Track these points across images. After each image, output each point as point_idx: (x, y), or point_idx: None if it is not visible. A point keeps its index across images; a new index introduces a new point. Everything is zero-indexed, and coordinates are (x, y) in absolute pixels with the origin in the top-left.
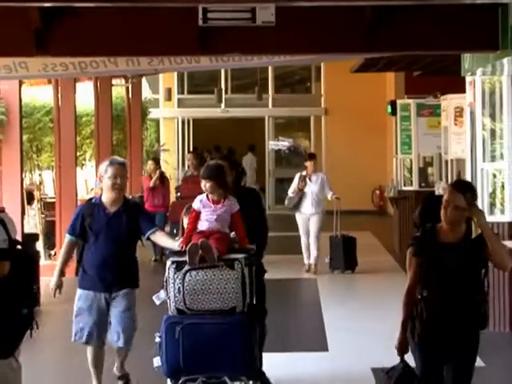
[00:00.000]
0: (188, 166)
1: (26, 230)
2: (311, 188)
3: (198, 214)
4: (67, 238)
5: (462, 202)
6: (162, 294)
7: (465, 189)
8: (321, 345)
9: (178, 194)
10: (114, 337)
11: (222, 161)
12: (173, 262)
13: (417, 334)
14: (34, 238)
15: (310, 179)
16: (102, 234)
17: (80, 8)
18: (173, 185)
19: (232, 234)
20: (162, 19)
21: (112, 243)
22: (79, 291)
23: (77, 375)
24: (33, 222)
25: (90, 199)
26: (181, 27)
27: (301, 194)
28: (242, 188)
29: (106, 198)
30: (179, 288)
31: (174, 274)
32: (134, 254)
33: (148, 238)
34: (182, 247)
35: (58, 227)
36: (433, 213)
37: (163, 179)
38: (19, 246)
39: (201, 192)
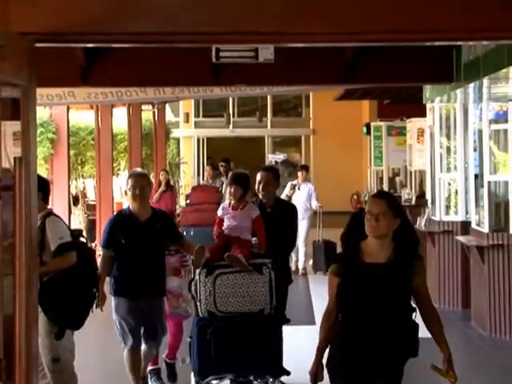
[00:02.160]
0: (205, 178)
1: (73, 227)
2: (299, 196)
3: (221, 221)
4: (103, 251)
5: (383, 208)
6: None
7: (384, 196)
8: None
9: (188, 200)
10: (149, 341)
11: (267, 172)
12: (203, 267)
13: (331, 360)
14: (78, 232)
15: (299, 188)
16: (135, 243)
17: (116, 48)
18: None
19: (254, 240)
20: (183, 56)
21: (145, 252)
22: (115, 300)
23: (110, 344)
24: (78, 220)
25: (120, 211)
26: (198, 63)
27: (290, 200)
28: (282, 200)
29: (133, 208)
30: (210, 291)
31: (205, 277)
32: (164, 261)
33: (178, 245)
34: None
35: (98, 224)
36: (361, 230)
37: (170, 187)
38: (82, 239)
39: (207, 199)
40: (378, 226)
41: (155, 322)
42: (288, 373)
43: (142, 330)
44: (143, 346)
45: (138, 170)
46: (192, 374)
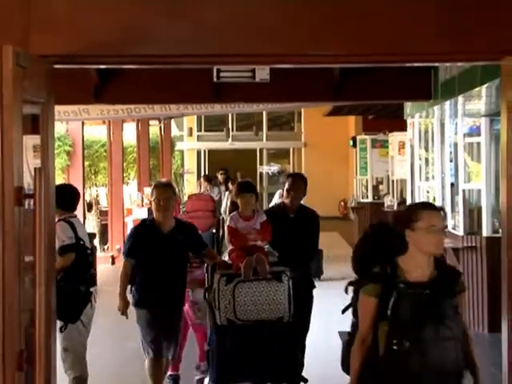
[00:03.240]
0: (202, 189)
1: (87, 230)
2: None
3: (235, 229)
4: (124, 260)
5: (443, 221)
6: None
7: (440, 208)
8: None
9: (184, 208)
10: (165, 350)
11: (297, 179)
12: (222, 275)
13: None
14: (92, 236)
15: None
16: (158, 254)
17: (126, 69)
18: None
19: (266, 248)
20: (187, 76)
21: (168, 262)
22: (138, 311)
23: (123, 336)
24: (92, 225)
25: (144, 220)
26: (200, 82)
27: None
28: (305, 206)
29: (157, 219)
30: (230, 300)
31: (225, 286)
32: (185, 273)
33: (201, 256)
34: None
35: (110, 228)
36: (384, 246)
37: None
38: (81, 242)
39: (202, 207)
40: (443, 241)
41: (172, 332)
42: (306, 380)
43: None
44: (166, 357)
45: (164, 180)
46: (209, 382)
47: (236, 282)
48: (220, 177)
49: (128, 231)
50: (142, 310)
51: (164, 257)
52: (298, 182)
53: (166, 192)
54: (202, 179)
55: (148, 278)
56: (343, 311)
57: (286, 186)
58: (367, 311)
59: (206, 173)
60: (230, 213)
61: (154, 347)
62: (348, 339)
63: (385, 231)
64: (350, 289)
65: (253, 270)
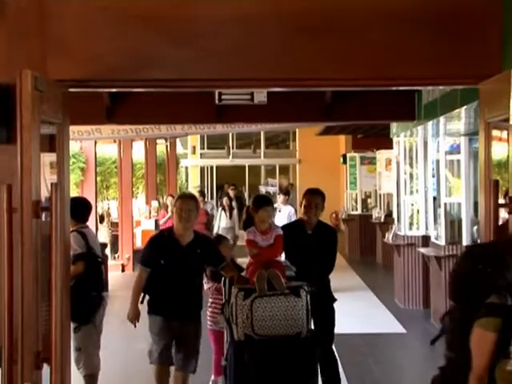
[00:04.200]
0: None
1: (99, 241)
2: (280, 217)
3: (253, 242)
4: (141, 269)
5: None
6: (220, 319)
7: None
8: None
9: None
10: (180, 362)
11: (315, 195)
12: (240, 290)
13: None
14: (104, 246)
15: (279, 210)
16: (174, 265)
17: (135, 92)
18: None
19: (284, 262)
20: (191, 99)
21: (185, 274)
22: (151, 318)
23: (131, 338)
24: (103, 235)
25: (163, 231)
26: (203, 105)
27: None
28: (323, 222)
29: (177, 229)
30: (247, 314)
31: (243, 301)
32: (202, 284)
33: (219, 270)
34: (239, 275)
35: (120, 239)
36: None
37: None
38: (92, 251)
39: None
40: None
41: (187, 347)
42: None
43: (173, 352)
44: (175, 371)
45: (188, 192)
46: None
47: (254, 296)
48: (231, 192)
49: (137, 241)
50: (156, 316)
51: (181, 268)
52: (316, 198)
53: (188, 204)
54: (197, 194)
55: (164, 288)
56: (432, 342)
57: (304, 202)
58: (485, 348)
59: (210, 187)
60: (245, 227)
61: (162, 355)
62: (439, 375)
63: (505, 251)
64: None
65: (270, 285)
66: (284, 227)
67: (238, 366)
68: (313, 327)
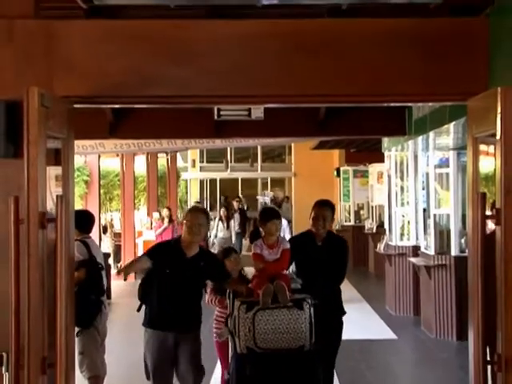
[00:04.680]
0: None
1: (102, 251)
2: None
3: (260, 255)
4: (144, 257)
5: None
6: (225, 331)
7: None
8: None
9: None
10: (181, 380)
11: (324, 207)
12: (243, 303)
13: None
14: (107, 255)
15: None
16: (178, 276)
17: (137, 108)
18: None
19: (290, 274)
20: (191, 115)
21: (187, 287)
22: (148, 331)
23: (133, 342)
24: (107, 245)
25: (169, 241)
26: (203, 120)
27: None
28: (333, 234)
29: (184, 241)
30: (250, 327)
31: (245, 314)
32: (201, 299)
33: (224, 286)
34: (248, 289)
35: (123, 248)
36: None
37: (172, 221)
38: (93, 258)
39: None
40: None
41: (187, 359)
42: None
43: (176, 365)
44: None
45: (200, 206)
46: None
47: (256, 309)
48: (235, 204)
49: (139, 251)
50: (153, 331)
51: (183, 279)
52: (324, 211)
53: (199, 218)
54: (193, 204)
55: (163, 299)
56: None
57: (312, 213)
58: None
59: (209, 199)
60: (251, 240)
61: (158, 368)
62: None
63: None
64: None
65: (273, 298)
66: (293, 239)
67: (240, 380)
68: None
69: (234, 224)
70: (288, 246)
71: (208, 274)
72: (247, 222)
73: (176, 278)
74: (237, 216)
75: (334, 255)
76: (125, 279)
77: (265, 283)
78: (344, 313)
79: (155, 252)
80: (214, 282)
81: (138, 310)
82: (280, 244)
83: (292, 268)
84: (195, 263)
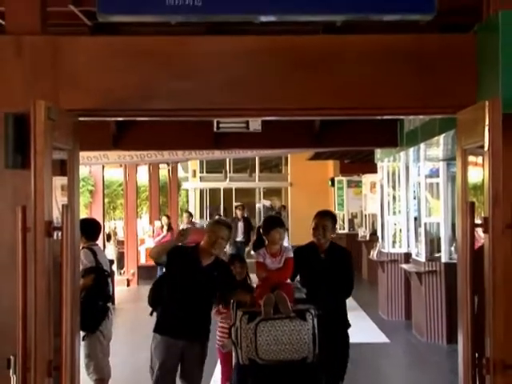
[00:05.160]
0: (184, 223)
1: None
2: None
3: (263, 264)
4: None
5: None
6: (228, 342)
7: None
8: None
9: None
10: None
11: (325, 217)
12: (245, 313)
13: None
14: (110, 262)
15: None
16: (191, 283)
17: (140, 121)
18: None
19: (295, 283)
20: (191, 127)
21: (199, 295)
22: (157, 337)
23: (137, 347)
24: (110, 253)
25: (187, 247)
26: (203, 132)
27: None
28: (336, 245)
29: (202, 250)
30: (251, 338)
31: (247, 324)
32: (211, 308)
33: (230, 296)
34: (254, 298)
35: (126, 255)
36: None
37: (171, 229)
38: (100, 265)
39: (196, 239)
40: None
41: (192, 367)
42: None
43: (177, 376)
44: None
45: (225, 219)
46: None
47: (258, 320)
48: (238, 212)
49: (141, 258)
50: (162, 337)
51: (196, 287)
52: (324, 221)
53: (223, 232)
54: (185, 214)
55: (174, 306)
56: None
57: (313, 224)
58: None
59: (207, 208)
60: (255, 248)
61: (165, 373)
62: None
63: None
64: None
65: (276, 308)
66: (297, 250)
67: None
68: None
69: (238, 232)
70: (291, 254)
71: (219, 284)
72: (251, 231)
73: (189, 286)
74: (240, 224)
75: (338, 267)
76: (157, 263)
77: (267, 293)
78: (349, 326)
79: (172, 254)
80: (221, 292)
81: (151, 314)
82: (283, 253)
83: (298, 277)
84: (209, 272)
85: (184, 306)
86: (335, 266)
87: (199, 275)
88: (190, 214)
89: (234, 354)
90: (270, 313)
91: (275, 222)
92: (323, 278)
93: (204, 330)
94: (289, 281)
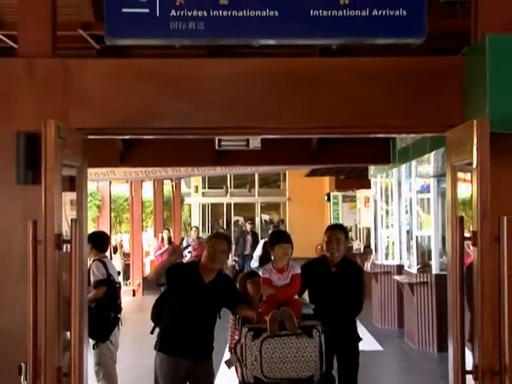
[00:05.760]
0: (192, 235)
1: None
2: (258, 249)
3: (269, 280)
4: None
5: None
6: (233, 358)
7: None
8: None
9: (189, 251)
10: None
11: (337, 230)
12: (250, 330)
13: None
14: (117, 273)
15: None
16: (193, 301)
17: (145, 139)
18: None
19: (301, 299)
20: (194, 145)
21: (201, 313)
22: (160, 355)
23: (141, 354)
24: (116, 264)
25: (189, 263)
26: (205, 149)
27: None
28: (348, 259)
29: (203, 266)
30: (256, 356)
31: (252, 341)
32: (215, 325)
33: (233, 312)
34: (260, 314)
35: (131, 267)
36: None
37: (171, 243)
38: (111, 278)
39: (201, 252)
40: None
41: None
42: None
43: None
44: None
45: (224, 232)
46: None
47: (263, 337)
48: (248, 226)
49: (146, 269)
50: (165, 355)
51: (198, 304)
52: (337, 234)
53: (222, 245)
54: (193, 228)
55: (176, 324)
56: None
57: (325, 238)
58: None
59: (210, 221)
60: (261, 263)
61: None
62: None
63: None
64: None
65: (282, 324)
66: (307, 264)
67: None
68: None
69: (247, 246)
70: (298, 271)
71: (222, 299)
72: (257, 244)
73: (191, 303)
74: (249, 238)
75: (348, 282)
76: (159, 285)
77: (273, 309)
78: (359, 339)
79: (172, 272)
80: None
81: (152, 332)
82: (290, 269)
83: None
84: (212, 289)
85: (186, 324)
86: (346, 280)
87: (201, 293)
88: (198, 229)
89: (238, 372)
90: (276, 330)
91: (280, 236)
92: (333, 292)
93: (208, 348)
94: (296, 296)
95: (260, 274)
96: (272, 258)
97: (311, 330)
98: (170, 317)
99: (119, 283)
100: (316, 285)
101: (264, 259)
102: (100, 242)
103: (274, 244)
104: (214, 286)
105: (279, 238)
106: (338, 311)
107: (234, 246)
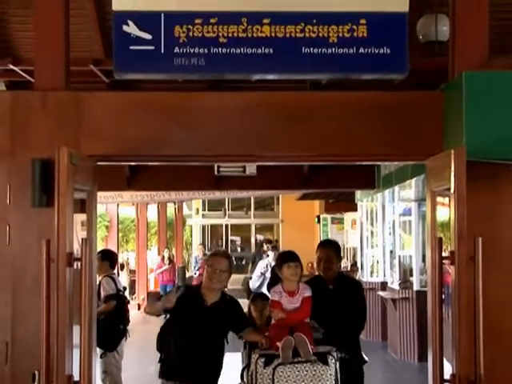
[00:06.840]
0: (198, 254)
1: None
2: (257, 268)
3: (278, 303)
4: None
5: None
6: None
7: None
8: None
9: (197, 269)
10: None
11: (328, 248)
12: (260, 356)
13: None
14: (124, 289)
15: (271, 266)
16: (196, 325)
17: (150, 165)
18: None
19: (311, 322)
20: (195, 171)
21: (205, 335)
22: (164, 382)
23: (146, 363)
24: (123, 280)
25: (190, 287)
26: (205, 175)
27: (262, 277)
28: (345, 275)
29: (204, 287)
30: None
31: (263, 368)
32: (223, 349)
33: (239, 337)
34: (267, 341)
35: (137, 283)
36: None
37: (171, 261)
38: (120, 293)
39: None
40: None
41: None
42: None
43: None
44: None
45: (224, 250)
46: None
47: (276, 364)
48: (265, 246)
49: (150, 285)
50: (169, 382)
51: (202, 329)
52: (328, 251)
53: (221, 263)
54: (200, 246)
55: (180, 349)
56: None
57: (316, 256)
58: None
59: (208, 242)
60: (269, 286)
61: None
62: None
63: None
64: None
65: (294, 350)
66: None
67: None
68: None
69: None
70: (309, 293)
71: (228, 323)
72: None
73: (194, 328)
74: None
75: (347, 298)
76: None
77: (284, 334)
78: (365, 362)
79: (176, 312)
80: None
81: (160, 361)
82: (301, 291)
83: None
84: (215, 312)
85: (191, 351)
86: (344, 297)
87: (203, 316)
88: (204, 247)
89: None
90: (289, 356)
91: (287, 256)
92: (332, 310)
93: (214, 373)
94: (307, 320)
95: (269, 296)
96: (282, 280)
97: (327, 356)
98: (174, 342)
99: (128, 298)
100: (316, 306)
101: (273, 282)
102: (112, 259)
103: (282, 264)
104: (218, 309)
105: (286, 257)
106: (342, 331)
107: (250, 266)
